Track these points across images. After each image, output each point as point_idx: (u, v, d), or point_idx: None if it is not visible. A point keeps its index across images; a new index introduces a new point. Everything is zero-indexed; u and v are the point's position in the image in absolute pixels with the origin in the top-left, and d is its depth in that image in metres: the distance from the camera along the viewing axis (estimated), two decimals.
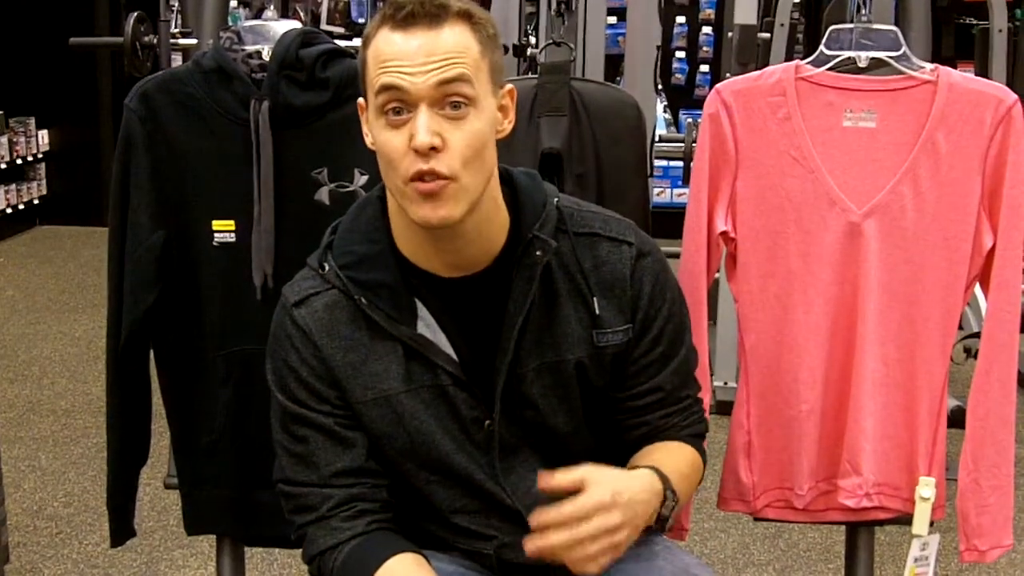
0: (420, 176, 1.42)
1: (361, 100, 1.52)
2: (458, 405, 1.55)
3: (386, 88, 1.43)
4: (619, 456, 1.65)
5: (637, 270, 1.58)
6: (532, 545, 1.41)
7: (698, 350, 1.74)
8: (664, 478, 1.51)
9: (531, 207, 1.55)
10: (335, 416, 1.54)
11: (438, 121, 1.42)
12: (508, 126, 1.53)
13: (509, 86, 1.53)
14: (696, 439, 1.67)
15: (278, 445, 1.58)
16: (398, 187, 1.46)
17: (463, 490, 1.58)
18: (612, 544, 1.42)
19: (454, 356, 1.54)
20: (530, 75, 1.93)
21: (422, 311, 1.53)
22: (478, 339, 1.54)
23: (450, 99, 1.42)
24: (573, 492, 1.42)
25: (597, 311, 1.56)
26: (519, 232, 1.54)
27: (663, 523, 1.51)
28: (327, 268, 1.55)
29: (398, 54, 1.42)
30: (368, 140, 1.52)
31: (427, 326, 1.53)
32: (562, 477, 1.43)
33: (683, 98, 7.88)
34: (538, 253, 1.53)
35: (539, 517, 1.40)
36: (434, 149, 1.41)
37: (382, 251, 1.54)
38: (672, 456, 1.60)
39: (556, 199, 1.58)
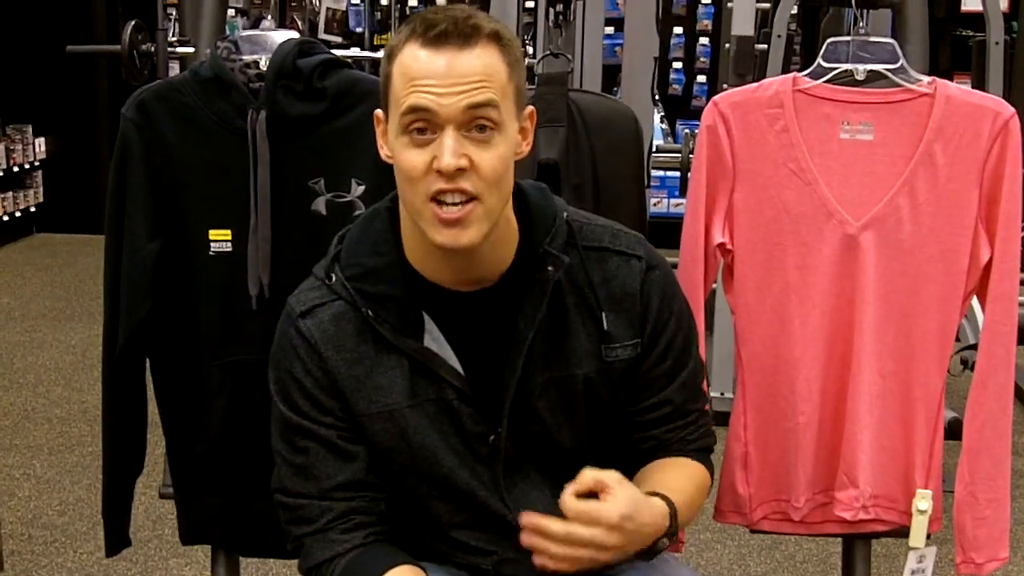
0: (440, 197, 1.42)
1: (379, 112, 1.51)
2: (463, 420, 1.54)
3: (414, 109, 1.41)
4: (621, 470, 1.64)
5: (646, 284, 1.57)
6: (528, 521, 1.41)
7: None
8: (673, 514, 1.50)
9: (542, 221, 1.55)
10: (337, 429, 1.53)
11: (463, 143, 1.41)
12: (526, 148, 1.52)
13: (529, 108, 1.52)
14: (705, 454, 1.67)
15: (277, 455, 1.57)
16: (416, 207, 1.45)
17: (464, 505, 1.57)
18: (592, 559, 1.42)
19: (460, 370, 1.53)
20: (528, 86, 1.93)
21: (429, 324, 1.52)
22: (485, 353, 1.53)
23: (476, 122, 1.42)
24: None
25: (606, 326, 1.55)
26: (530, 247, 1.54)
27: (653, 554, 1.51)
28: (334, 279, 1.54)
29: (428, 73, 1.41)
30: (383, 152, 1.51)
31: (434, 340, 1.52)
32: (590, 475, 1.42)
33: (680, 109, 7.90)
34: (550, 269, 1.52)
35: (564, 501, 1.41)
36: (460, 170, 1.41)
37: (391, 263, 1.53)
38: (685, 481, 1.59)
39: (565, 213, 1.58)
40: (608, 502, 1.41)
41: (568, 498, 1.41)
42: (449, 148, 1.40)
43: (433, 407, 1.53)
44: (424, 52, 1.41)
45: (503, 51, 1.44)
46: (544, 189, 1.60)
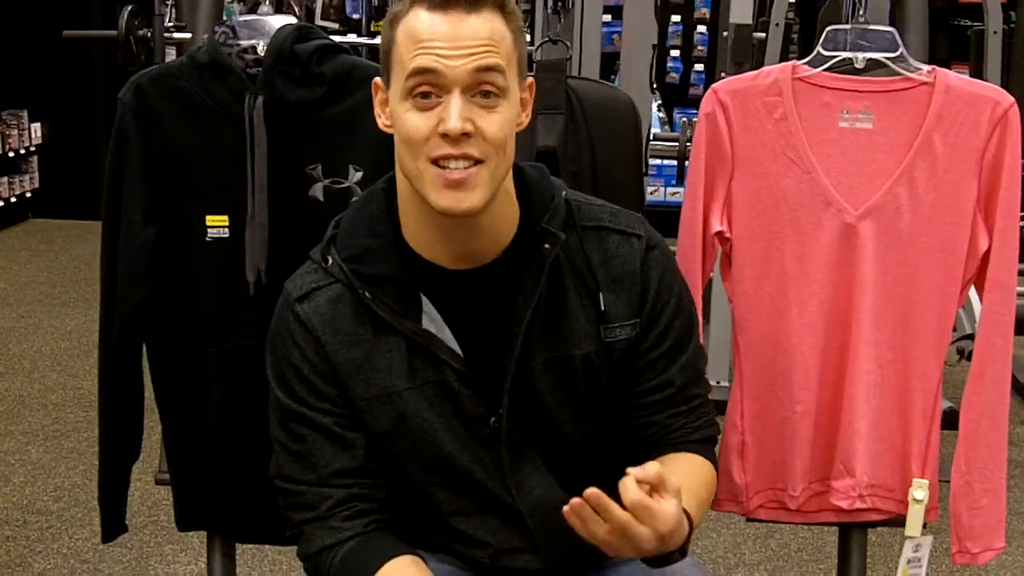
0: (444, 162, 1.41)
1: (378, 80, 1.51)
2: (463, 401, 1.53)
3: (420, 71, 1.40)
4: (625, 460, 1.63)
5: (646, 263, 1.56)
6: (593, 494, 1.32)
7: None
8: (689, 531, 1.42)
9: (540, 200, 1.54)
10: (335, 415, 1.53)
11: (469, 108, 1.41)
12: (525, 120, 1.52)
13: (530, 79, 1.52)
14: (708, 445, 1.63)
15: (275, 441, 1.56)
16: (417, 170, 1.43)
17: (463, 490, 1.56)
18: (621, 549, 1.35)
19: (459, 351, 1.52)
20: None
21: (427, 306, 1.52)
22: (484, 334, 1.53)
23: (482, 87, 1.41)
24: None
25: (603, 306, 1.54)
26: (528, 225, 1.53)
27: (661, 564, 1.43)
28: (330, 261, 1.53)
29: (436, 36, 1.40)
30: (381, 122, 1.51)
31: (432, 321, 1.52)
32: (655, 470, 1.34)
33: (677, 97, 7.89)
34: (546, 246, 1.51)
35: (626, 484, 1.32)
36: (465, 135, 1.40)
37: (387, 244, 1.52)
38: (698, 486, 1.55)
39: (564, 192, 1.57)
40: (664, 507, 1.33)
41: (632, 483, 1.32)
42: (455, 111, 1.39)
43: (432, 389, 1.52)
44: (430, 15, 1.41)
45: (507, 18, 1.44)
46: (542, 168, 1.60)
